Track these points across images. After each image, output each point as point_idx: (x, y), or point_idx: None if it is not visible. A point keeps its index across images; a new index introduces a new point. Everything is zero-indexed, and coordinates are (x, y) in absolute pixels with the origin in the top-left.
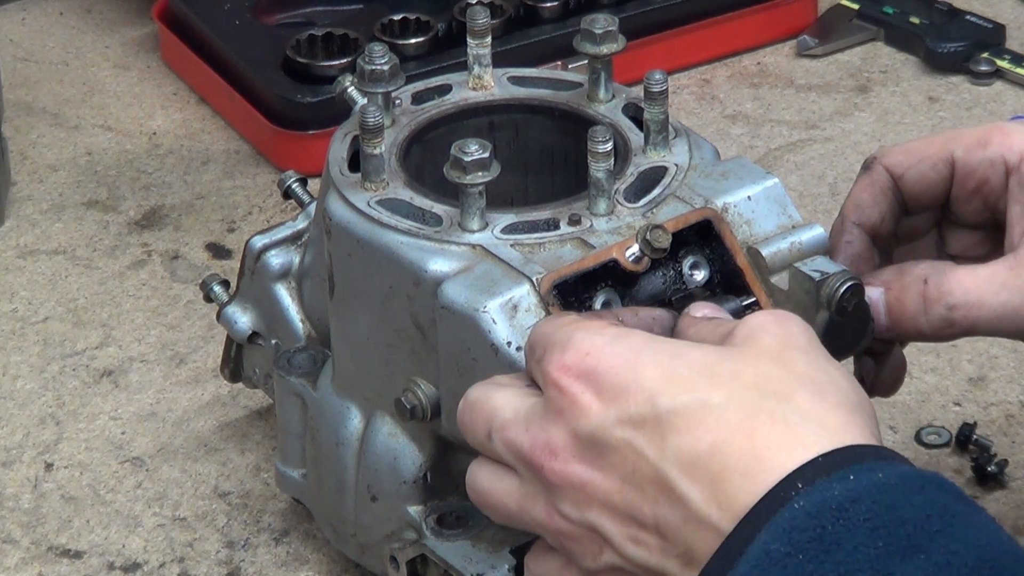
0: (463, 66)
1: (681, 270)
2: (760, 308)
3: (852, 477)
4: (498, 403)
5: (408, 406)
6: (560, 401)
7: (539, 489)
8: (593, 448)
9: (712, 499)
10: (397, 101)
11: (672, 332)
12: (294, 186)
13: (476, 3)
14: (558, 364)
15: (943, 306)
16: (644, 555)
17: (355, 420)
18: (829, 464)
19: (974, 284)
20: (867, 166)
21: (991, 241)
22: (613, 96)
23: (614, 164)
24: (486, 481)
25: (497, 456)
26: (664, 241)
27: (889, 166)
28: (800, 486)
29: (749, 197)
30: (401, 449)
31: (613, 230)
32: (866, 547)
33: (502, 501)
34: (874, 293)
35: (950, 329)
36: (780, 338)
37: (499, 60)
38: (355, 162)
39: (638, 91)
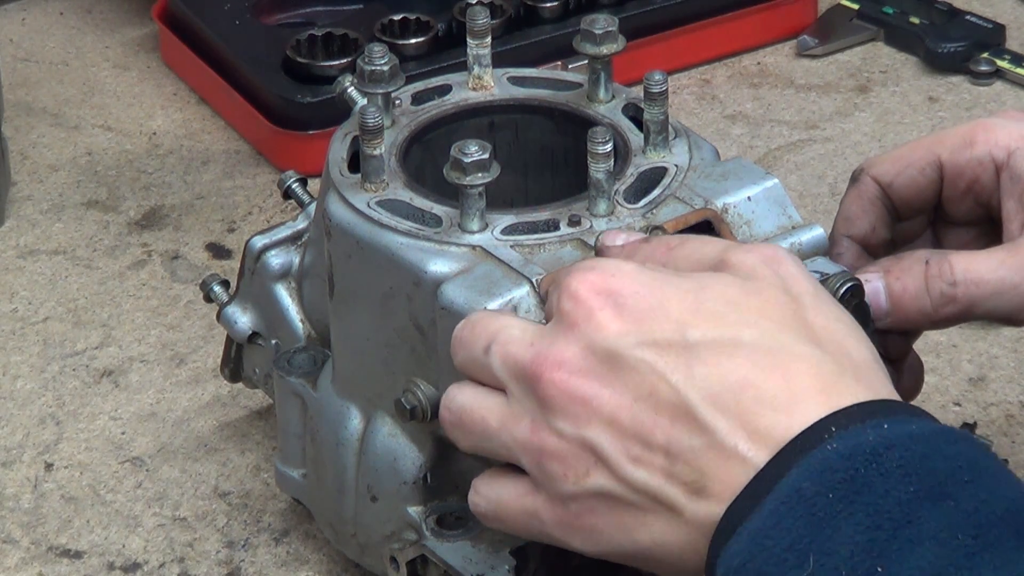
0: (463, 66)
1: None
2: None
3: (886, 426)
4: (506, 322)
5: (408, 407)
6: (575, 314)
7: (529, 406)
8: (607, 364)
9: (740, 430)
10: (397, 101)
11: None
12: (294, 186)
13: (476, 3)
14: (580, 279)
15: (945, 282)
16: (644, 476)
17: (355, 420)
18: (864, 413)
19: (973, 263)
20: (855, 178)
21: (987, 236)
22: (613, 96)
23: (614, 165)
24: (468, 399)
25: (488, 372)
26: None
27: (876, 176)
28: (834, 430)
29: (749, 198)
30: (401, 450)
31: None
32: (897, 492)
33: (481, 418)
34: (873, 278)
35: (951, 306)
36: (788, 279)
37: (499, 60)
38: (355, 163)
39: (638, 91)
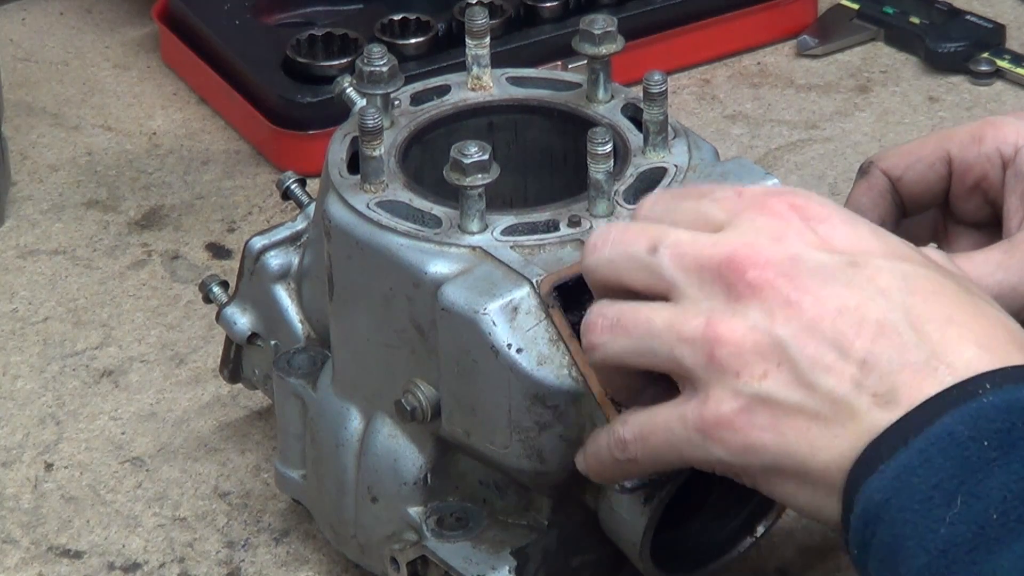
0: (462, 66)
1: None
2: None
3: None
4: (665, 227)
5: (408, 408)
6: (781, 229)
7: (708, 305)
8: (816, 276)
9: (943, 357)
10: (396, 102)
11: None
12: (293, 187)
13: (476, 3)
14: (788, 201)
15: None
16: (832, 383)
17: (355, 421)
18: (1018, 374)
19: (970, 267)
20: (864, 171)
21: (996, 239)
22: (612, 97)
23: (614, 165)
24: (626, 305)
25: (648, 271)
26: None
27: (886, 169)
28: (988, 386)
29: None
30: (401, 450)
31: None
32: None
33: (646, 319)
34: None
35: None
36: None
37: (499, 60)
38: (354, 163)
39: (637, 91)
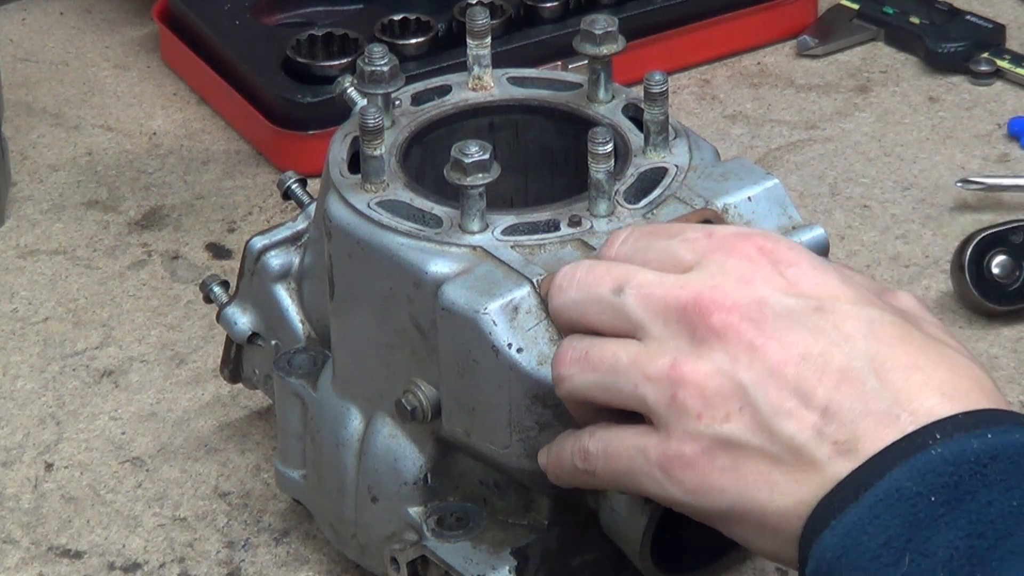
0: (463, 66)
1: None
2: None
3: (990, 436)
4: (632, 268)
5: (408, 407)
6: (749, 272)
7: (673, 345)
8: (781, 320)
9: (906, 405)
10: (397, 102)
11: None
12: (293, 187)
13: (476, 3)
14: (757, 244)
15: None
16: (793, 430)
17: (355, 421)
18: (969, 421)
19: None
20: None
21: None
22: (613, 97)
23: (614, 165)
24: (594, 340)
25: (614, 313)
26: None
27: None
28: (938, 436)
29: (750, 198)
30: (401, 450)
31: (613, 231)
32: (1000, 503)
33: (612, 354)
34: None
35: None
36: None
37: (499, 60)
38: (355, 163)
39: (638, 91)
